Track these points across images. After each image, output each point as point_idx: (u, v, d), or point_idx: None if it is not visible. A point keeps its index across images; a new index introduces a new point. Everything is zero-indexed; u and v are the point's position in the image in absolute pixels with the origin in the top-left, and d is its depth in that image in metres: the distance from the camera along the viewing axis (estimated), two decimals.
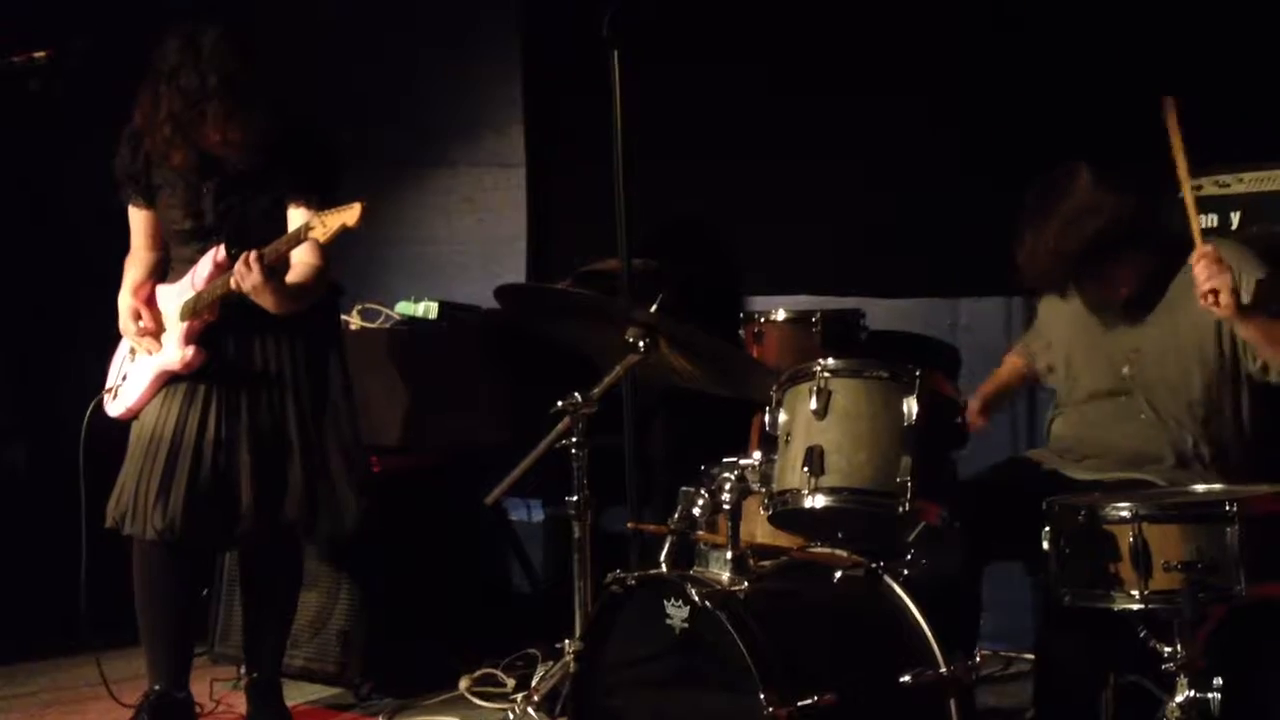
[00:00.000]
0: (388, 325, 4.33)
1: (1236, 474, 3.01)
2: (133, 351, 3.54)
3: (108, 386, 3.54)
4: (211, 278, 3.39)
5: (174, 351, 3.41)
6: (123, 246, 3.61)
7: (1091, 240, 3.02)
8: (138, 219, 3.56)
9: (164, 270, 3.56)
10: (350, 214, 3.14)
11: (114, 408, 3.52)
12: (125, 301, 3.52)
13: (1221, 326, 3.04)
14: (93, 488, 3.46)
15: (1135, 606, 2.57)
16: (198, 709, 3.55)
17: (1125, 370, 3.15)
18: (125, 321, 3.51)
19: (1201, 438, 3.08)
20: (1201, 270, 2.88)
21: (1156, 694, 2.62)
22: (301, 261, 3.37)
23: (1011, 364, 3.53)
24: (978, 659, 2.82)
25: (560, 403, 2.99)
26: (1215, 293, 2.86)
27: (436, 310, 4.28)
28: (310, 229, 3.19)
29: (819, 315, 3.87)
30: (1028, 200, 3.13)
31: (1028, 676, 3.51)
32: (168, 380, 3.43)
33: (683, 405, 4.06)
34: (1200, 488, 2.87)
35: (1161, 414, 3.12)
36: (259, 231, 3.37)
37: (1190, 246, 2.93)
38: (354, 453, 3.53)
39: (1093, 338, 3.21)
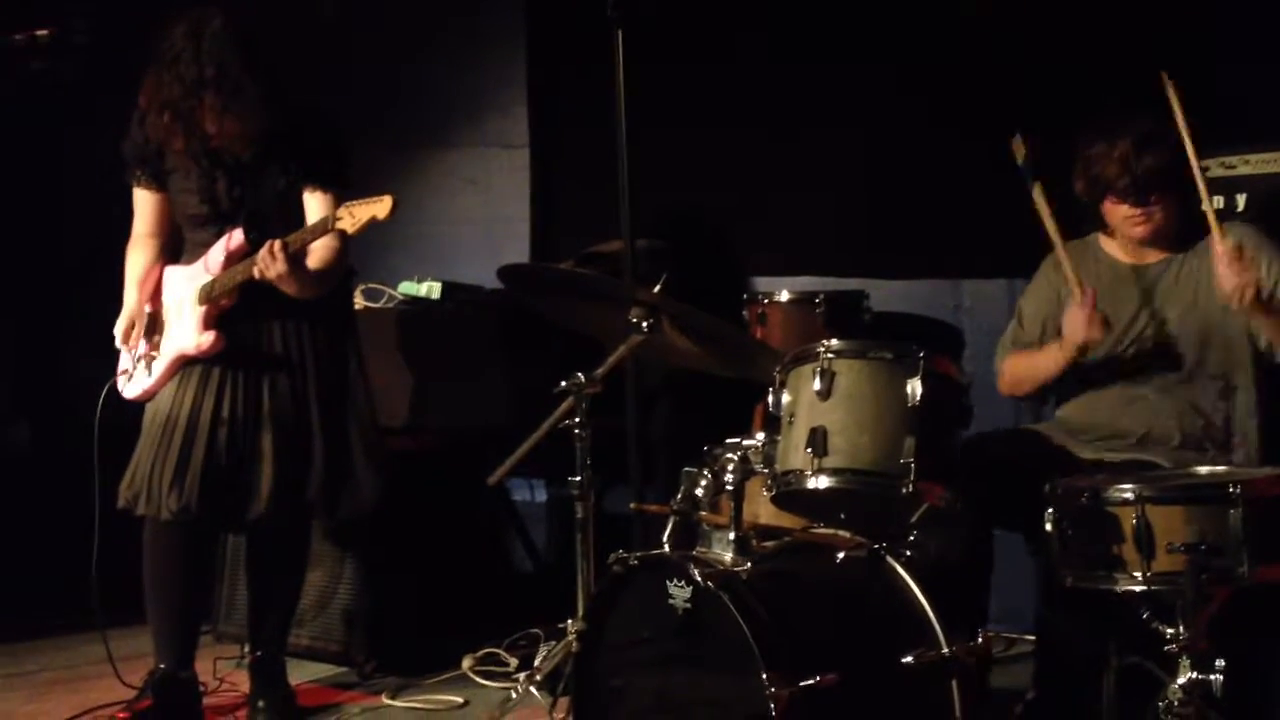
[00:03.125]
0: (391, 305, 4.33)
1: (1249, 456, 3.02)
2: (149, 333, 3.53)
3: (122, 368, 3.53)
4: (228, 263, 3.38)
5: (192, 336, 3.40)
6: (124, 228, 3.59)
7: (1165, 162, 3.06)
8: (145, 201, 3.54)
9: (173, 253, 3.54)
10: (381, 207, 3.12)
11: (128, 389, 3.51)
12: (130, 299, 3.50)
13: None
14: (102, 467, 3.45)
15: (1138, 588, 2.57)
16: (201, 687, 3.56)
17: (1149, 345, 3.16)
18: (121, 329, 3.49)
19: (1217, 414, 3.09)
20: (1226, 268, 2.93)
21: (1158, 676, 2.62)
22: (323, 245, 3.35)
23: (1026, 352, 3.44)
24: (988, 637, 2.82)
25: (563, 383, 2.99)
26: (1240, 289, 2.92)
27: (440, 290, 4.28)
28: (338, 220, 3.17)
29: (822, 296, 3.86)
30: (1096, 120, 3.17)
31: (1030, 657, 3.51)
32: (184, 363, 3.43)
33: (686, 386, 4.06)
34: (1204, 469, 2.87)
35: (1176, 390, 3.13)
36: (275, 216, 3.37)
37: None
38: (371, 433, 3.54)
39: (1111, 313, 3.21)
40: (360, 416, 3.52)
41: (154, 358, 3.48)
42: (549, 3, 4.97)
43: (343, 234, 3.26)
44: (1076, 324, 3.10)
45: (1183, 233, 3.18)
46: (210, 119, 3.30)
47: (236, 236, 3.39)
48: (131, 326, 3.50)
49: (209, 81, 3.26)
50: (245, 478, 3.38)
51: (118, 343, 3.52)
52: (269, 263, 3.23)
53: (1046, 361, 3.24)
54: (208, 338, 3.38)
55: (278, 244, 3.23)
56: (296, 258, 3.26)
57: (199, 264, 3.45)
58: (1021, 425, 3.68)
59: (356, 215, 3.15)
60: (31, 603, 4.45)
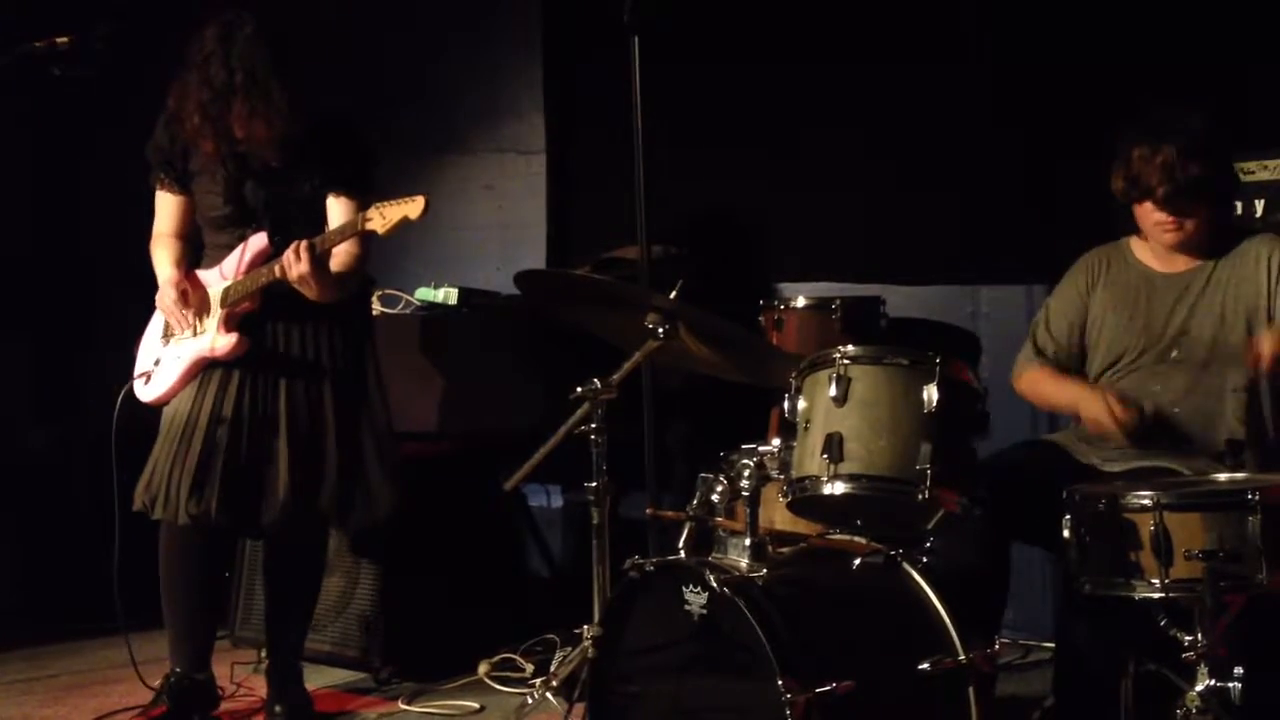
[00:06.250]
0: (408, 312, 4.33)
1: (1268, 469, 3.01)
2: (166, 336, 3.53)
3: (140, 371, 3.53)
4: (251, 265, 3.38)
5: (214, 339, 3.41)
6: (142, 232, 3.60)
7: (1203, 175, 3.05)
8: (167, 203, 3.54)
9: (194, 256, 3.55)
10: (414, 207, 3.12)
11: (146, 392, 3.51)
12: (168, 274, 3.47)
13: (1272, 311, 3.08)
14: (121, 470, 3.45)
15: (1156, 595, 2.56)
16: (219, 691, 3.56)
17: (1174, 354, 3.15)
18: (168, 293, 3.44)
19: (1238, 429, 3.08)
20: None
21: (1177, 683, 2.61)
22: (343, 250, 3.37)
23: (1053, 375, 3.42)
24: (998, 647, 2.81)
25: (579, 388, 2.99)
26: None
27: (456, 296, 4.28)
28: (368, 220, 3.17)
29: (839, 302, 3.86)
30: (1143, 118, 3.14)
31: (1047, 665, 3.50)
32: (203, 366, 3.43)
33: (702, 392, 4.05)
34: (1222, 476, 2.85)
35: (1199, 399, 3.11)
36: (300, 220, 3.38)
37: None
38: (386, 442, 3.53)
39: (1137, 319, 3.21)
40: (376, 425, 3.51)
41: (173, 359, 3.48)
42: (565, 8, 4.98)
43: (365, 239, 3.27)
44: (1100, 416, 3.09)
45: (1214, 241, 3.16)
46: (238, 123, 3.32)
47: (259, 240, 3.39)
48: (176, 284, 3.43)
49: (238, 86, 3.27)
50: (261, 482, 3.39)
51: (165, 312, 3.48)
52: (293, 263, 3.23)
53: (1064, 401, 3.28)
54: (229, 340, 3.39)
55: (304, 244, 3.23)
56: (321, 260, 3.26)
57: (218, 268, 3.46)
58: (1041, 435, 3.68)
59: (387, 216, 3.14)
60: (51, 607, 4.48)
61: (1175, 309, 3.18)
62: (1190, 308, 3.16)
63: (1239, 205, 3.46)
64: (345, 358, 3.48)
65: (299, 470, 3.39)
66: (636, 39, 3.56)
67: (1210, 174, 3.06)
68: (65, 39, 3.24)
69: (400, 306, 4.35)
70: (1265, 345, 2.95)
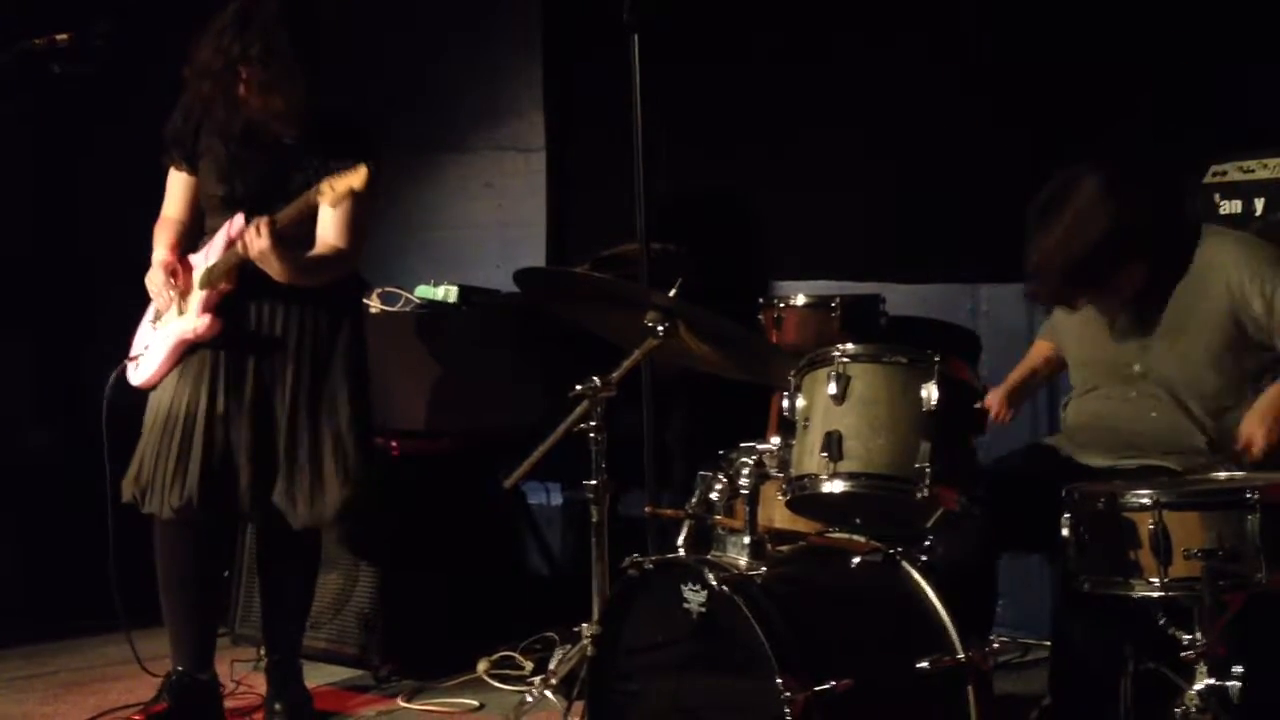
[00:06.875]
0: (408, 310, 4.34)
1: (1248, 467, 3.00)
2: (155, 320, 3.53)
3: (131, 354, 3.53)
4: (229, 246, 3.39)
5: (193, 320, 3.41)
6: (142, 230, 3.61)
7: (1096, 247, 2.97)
8: (177, 182, 3.55)
9: (192, 243, 3.55)
10: (356, 177, 3.19)
11: (135, 376, 3.51)
12: (160, 255, 3.48)
13: (1235, 324, 3.02)
14: (119, 461, 3.44)
15: (1155, 594, 2.56)
16: (220, 689, 3.56)
17: (1136, 368, 3.13)
18: (157, 274, 3.45)
19: (1214, 432, 3.06)
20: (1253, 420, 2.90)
21: (1176, 682, 2.61)
22: (322, 240, 3.39)
23: (1040, 349, 3.48)
24: (994, 645, 2.81)
25: (579, 386, 2.99)
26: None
27: (456, 294, 4.29)
28: (319, 194, 3.22)
29: (838, 300, 3.86)
30: (1031, 208, 3.07)
31: (1045, 663, 3.50)
32: (186, 351, 3.43)
33: (701, 390, 4.06)
34: (1221, 475, 2.85)
35: (1172, 409, 3.10)
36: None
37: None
38: (349, 441, 3.43)
39: (1101, 338, 3.19)
40: (338, 421, 3.44)
41: (160, 341, 3.48)
42: (565, 7, 4.98)
43: (351, 235, 3.31)
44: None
45: (1171, 268, 3.09)
46: (251, 93, 3.33)
47: (239, 222, 3.39)
48: (167, 266, 3.45)
49: (253, 57, 3.29)
50: (234, 468, 3.37)
51: (151, 292, 3.49)
52: (252, 238, 3.25)
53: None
54: (204, 320, 3.39)
55: (264, 220, 3.25)
56: (284, 239, 3.27)
57: (204, 251, 3.47)
58: (1040, 433, 3.67)
59: (336, 188, 3.21)
60: (51, 605, 4.47)
61: (1142, 327, 3.12)
62: (1151, 327, 3.11)
63: (1239, 204, 3.45)
64: (315, 343, 3.44)
65: (259, 456, 3.36)
66: (636, 38, 3.56)
67: (1117, 228, 2.96)
68: (65, 36, 3.25)
69: (400, 304, 4.36)
70: (1256, 435, 2.88)
